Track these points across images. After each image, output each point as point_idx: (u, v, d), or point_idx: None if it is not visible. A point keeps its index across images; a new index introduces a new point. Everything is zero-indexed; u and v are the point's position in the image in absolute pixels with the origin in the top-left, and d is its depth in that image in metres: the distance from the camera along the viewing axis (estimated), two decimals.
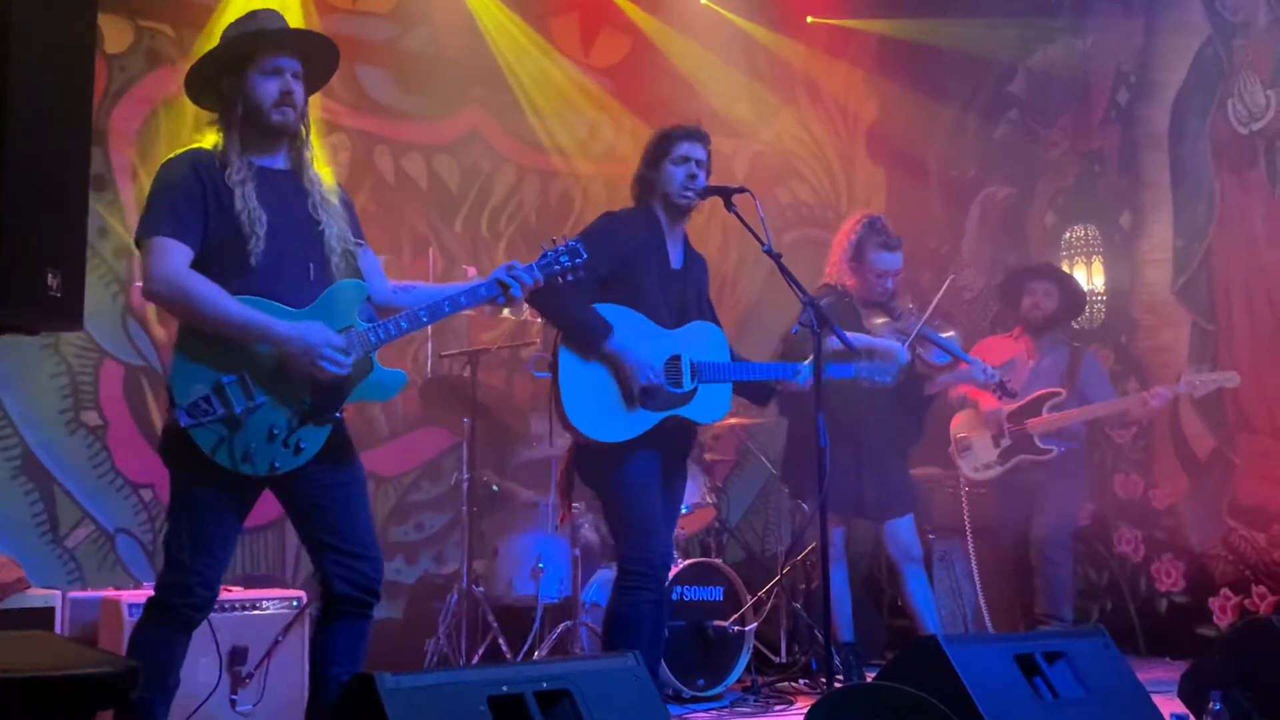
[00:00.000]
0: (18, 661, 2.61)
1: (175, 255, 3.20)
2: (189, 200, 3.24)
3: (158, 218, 3.24)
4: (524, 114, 7.16)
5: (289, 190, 3.39)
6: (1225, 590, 6.57)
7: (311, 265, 3.35)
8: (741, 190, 4.22)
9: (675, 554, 5.63)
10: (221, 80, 3.38)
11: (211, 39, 4.23)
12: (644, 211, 4.31)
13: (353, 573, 3.39)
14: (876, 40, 8.17)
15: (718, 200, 4.26)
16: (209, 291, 3.19)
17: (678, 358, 4.19)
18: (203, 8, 6.21)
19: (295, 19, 6.21)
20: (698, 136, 4.28)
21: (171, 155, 3.43)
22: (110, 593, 4.82)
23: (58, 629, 4.64)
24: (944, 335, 5.44)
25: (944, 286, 5.54)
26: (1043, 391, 6.07)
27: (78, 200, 2.96)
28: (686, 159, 4.24)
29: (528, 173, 7.20)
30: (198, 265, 3.24)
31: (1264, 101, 6.59)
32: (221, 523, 3.31)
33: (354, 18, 6.62)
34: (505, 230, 7.14)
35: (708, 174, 4.30)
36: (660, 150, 4.27)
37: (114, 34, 5.91)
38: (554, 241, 3.73)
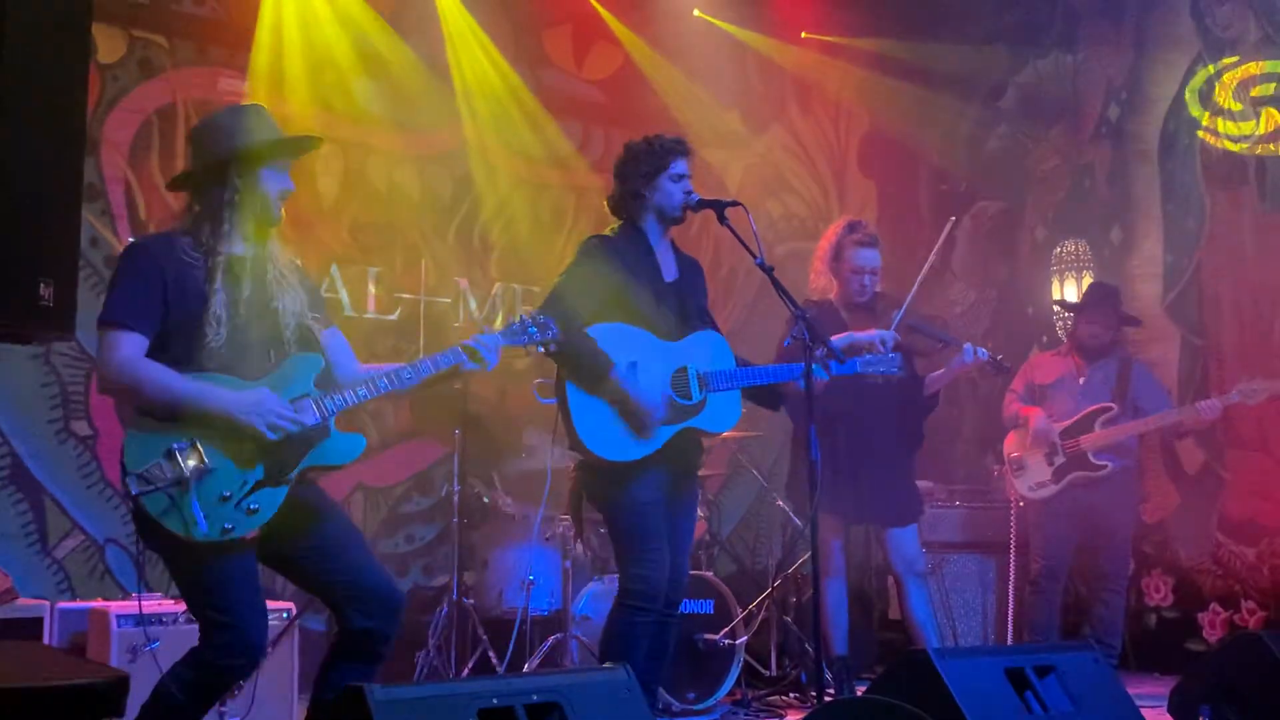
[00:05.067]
0: (5, 672, 2.61)
1: (126, 346, 3.24)
2: (148, 288, 3.28)
3: (115, 306, 3.29)
4: (517, 126, 7.17)
5: (253, 274, 3.42)
6: (1214, 605, 6.58)
7: (271, 349, 3.40)
8: (735, 204, 4.22)
9: None
10: (231, 169, 3.40)
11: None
12: (631, 229, 4.31)
13: (363, 602, 3.39)
14: (868, 54, 8.19)
15: (710, 212, 4.26)
16: (158, 375, 3.23)
17: (684, 369, 4.18)
18: (196, 18, 6.22)
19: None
20: (686, 151, 4.31)
21: (137, 240, 3.51)
22: (99, 603, 4.81)
23: (46, 640, 4.63)
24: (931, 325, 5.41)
25: (924, 269, 5.46)
26: (1094, 407, 6.01)
27: (70, 210, 2.97)
28: (681, 176, 4.26)
29: (520, 184, 7.20)
30: (159, 344, 3.29)
31: (1265, 116, 6.62)
32: (234, 582, 3.30)
33: (349, 30, 6.62)
34: (497, 242, 7.14)
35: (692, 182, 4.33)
36: (656, 165, 4.26)
37: (107, 44, 5.91)
38: (523, 320, 3.75)
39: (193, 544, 3.18)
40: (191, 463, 3.19)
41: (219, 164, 3.40)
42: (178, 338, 3.29)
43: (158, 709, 3.26)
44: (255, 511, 3.25)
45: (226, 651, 3.28)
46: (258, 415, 3.24)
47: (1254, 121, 6.64)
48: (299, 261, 3.63)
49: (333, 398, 3.39)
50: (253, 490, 3.26)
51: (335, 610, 3.45)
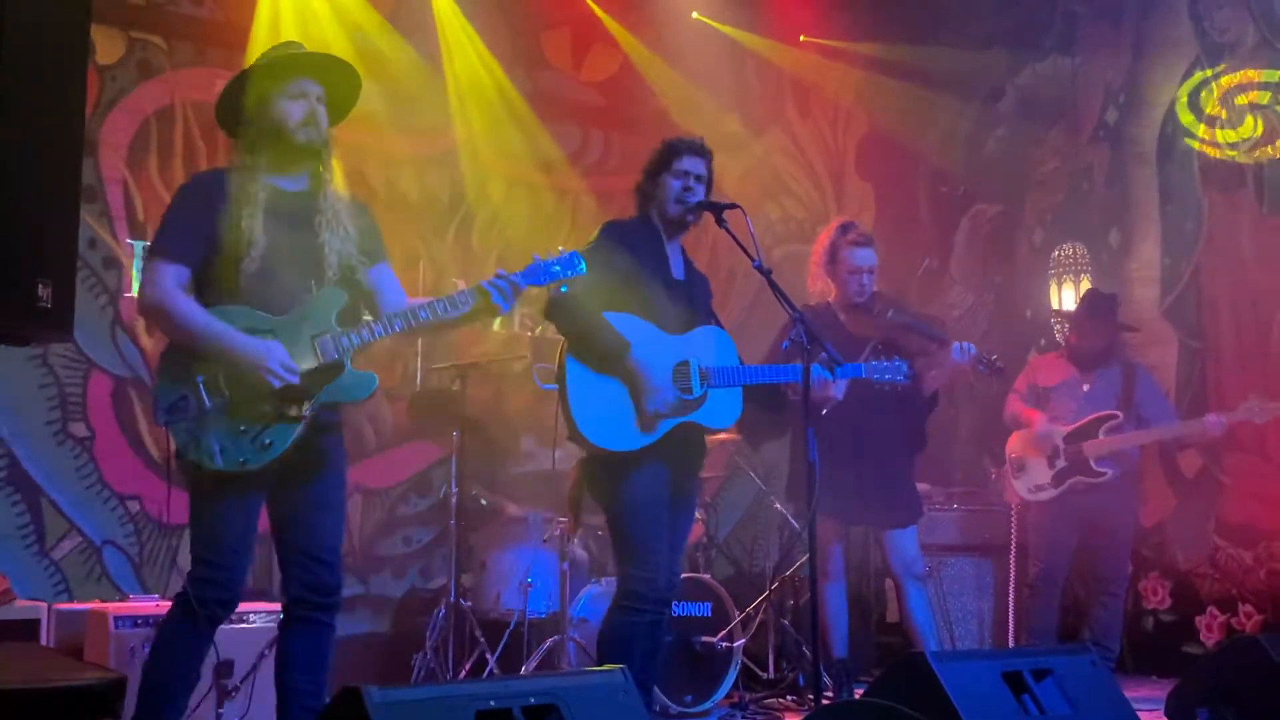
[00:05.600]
0: (3, 674, 2.61)
1: (165, 277, 3.44)
2: (193, 222, 3.48)
3: (160, 238, 3.54)
4: (516, 128, 7.17)
5: (301, 209, 3.57)
6: (1212, 608, 6.59)
7: (313, 281, 3.54)
8: (733, 206, 4.22)
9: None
10: (249, 103, 3.56)
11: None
12: (644, 220, 4.32)
13: (307, 574, 3.57)
14: (867, 57, 8.19)
15: (709, 215, 4.27)
16: (185, 309, 3.43)
17: (686, 363, 4.18)
18: (195, 20, 6.22)
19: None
20: (699, 151, 4.31)
21: (191, 176, 3.74)
22: (96, 605, 4.80)
23: (43, 641, 4.62)
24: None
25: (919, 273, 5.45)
26: (1099, 415, 5.99)
27: (69, 212, 2.97)
28: (686, 173, 4.25)
29: (519, 186, 7.20)
30: (202, 275, 3.48)
31: (1251, 121, 6.63)
32: (230, 525, 3.48)
33: (348, 31, 6.61)
34: (496, 244, 7.14)
35: (708, 189, 4.31)
36: (661, 163, 4.30)
37: (106, 45, 5.90)
38: (547, 261, 3.69)
39: (207, 475, 3.38)
40: (212, 397, 3.37)
41: (241, 101, 3.58)
42: (216, 267, 3.46)
43: (150, 675, 3.46)
44: (268, 446, 3.40)
45: (201, 586, 3.45)
46: (256, 370, 3.38)
47: (1243, 127, 6.66)
48: (361, 204, 3.78)
49: (349, 335, 3.49)
50: (268, 425, 3.40)
51: (282, 571, 3.63)
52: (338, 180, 3.70)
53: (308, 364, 3.45)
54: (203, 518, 3.48)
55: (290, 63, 3.59)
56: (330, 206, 3.59)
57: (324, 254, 3.54)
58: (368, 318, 3.67)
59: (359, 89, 3.76)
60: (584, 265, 3.69)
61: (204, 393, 3.36)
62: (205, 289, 3.48)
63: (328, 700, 3.42)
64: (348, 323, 3.54)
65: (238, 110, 3.58)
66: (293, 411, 3.43)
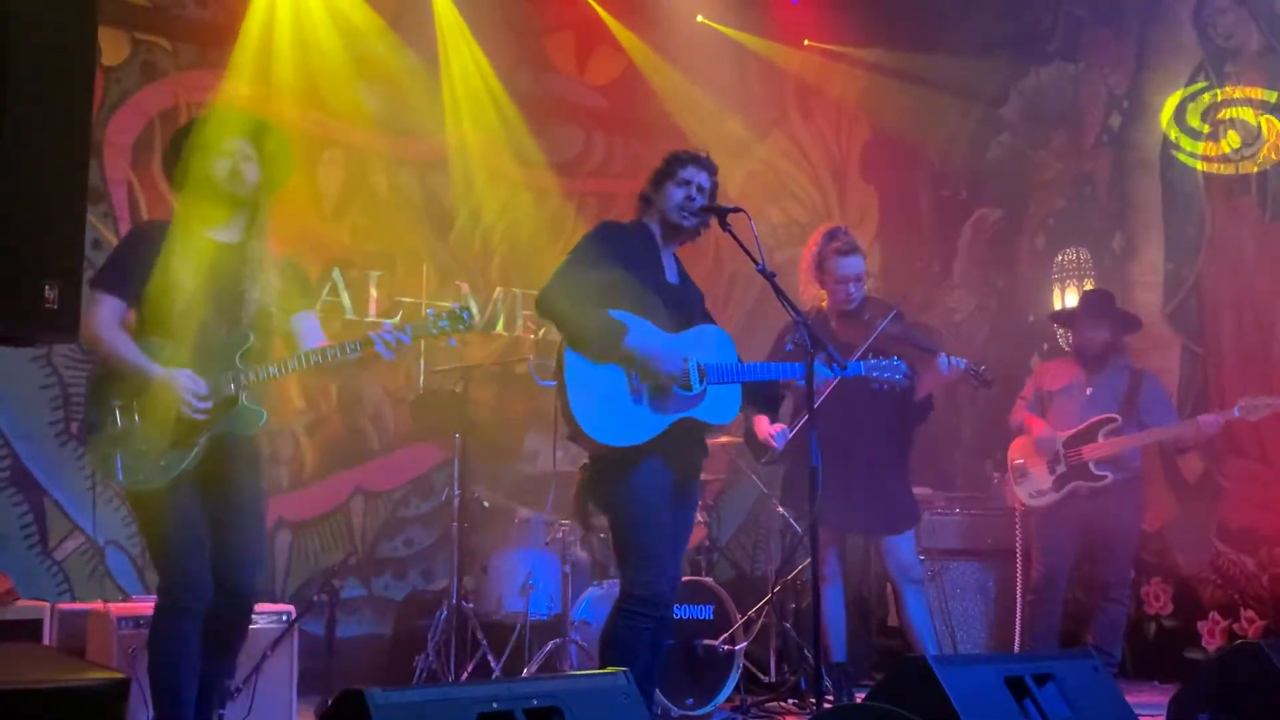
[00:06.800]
0: (5, 674, 2.61)
1: (103, 309, 3.83)
2: (135, 261, 3.86)
3: (105, 271, 3.91)
4: (518, 130, 7.17)
5: (229, 260, 3.93)
6: (1214, 614, 6.59)
7: (226, 324, 3.90)
8: (736, 210, 4.21)
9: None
10: (184, 159, 3.94)
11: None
12: (640, 225, 4.33)
13: (218, 573, 3.85)
14: (870, 61, 8.21)
15: (712, 219, 4.27)
16: (115, 340, 3.82)
17: (685, 360, 4.15)
18: (199, 22, 6.24)
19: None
20: (704, 164, 4.33)
21: (139, 224, 4.14)
22: (99, 605, 4.80)
23: (46, 641, 4.63)
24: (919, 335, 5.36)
25: (869, 341, 5.36)
26: (1099, 418, 5.99)
27: (75, 213, 2.97)
28: (688, 183, 4.26)
29: (521, 189, 7.20)
30: (136, 312, 3.87)
31: (1255, 127, 6.64)
32: (168, 534, 3.81)
33: (350, 34, 6.63)
34: (498, 247, 7.15)
35: (709, 201, 4.31)
36: (666, 171, 4.31)
37: (111, 47, 5.93)
38: (438, 313, 4.01)
39: (128, 491, 3.84)
40: (124, 420, 3.77)
41: (180, 156, 3.95)
42: (147, 306, 3.84)
43: (157, 673, 3.78)
44: (165, 468, 3.77)
45: (164, 591, 3.79)
46: (173, 398, 3.75)
47: (1229, 139, 6.68)
48: (297, 261, 4.14)
49: (247, 373, 3.86)
50: (167, 449, 3.77)
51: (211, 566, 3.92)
52: (265, 233, 4.01)
53: (211, 397, 3.82)
54: (145, 533, 3.93)
55: (218, 122, 3.97)
56: (256, 259, 3.94)
57: (244, 301, 3.91)
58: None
59: (289, 150, 4.09)
60: (471, 320, 4.03)
61: (118, 415, 3.76)
62: (138, 324, 3.86)
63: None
64: (251, 362, 3.88)
65: (175, 167, 3.96)
66: (188, 440, 3.79)
